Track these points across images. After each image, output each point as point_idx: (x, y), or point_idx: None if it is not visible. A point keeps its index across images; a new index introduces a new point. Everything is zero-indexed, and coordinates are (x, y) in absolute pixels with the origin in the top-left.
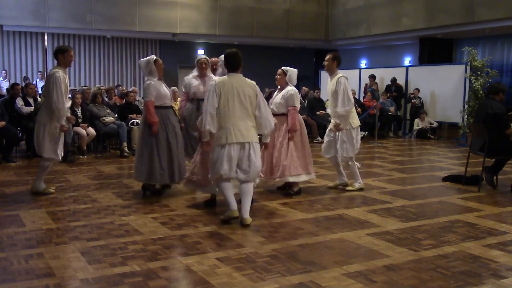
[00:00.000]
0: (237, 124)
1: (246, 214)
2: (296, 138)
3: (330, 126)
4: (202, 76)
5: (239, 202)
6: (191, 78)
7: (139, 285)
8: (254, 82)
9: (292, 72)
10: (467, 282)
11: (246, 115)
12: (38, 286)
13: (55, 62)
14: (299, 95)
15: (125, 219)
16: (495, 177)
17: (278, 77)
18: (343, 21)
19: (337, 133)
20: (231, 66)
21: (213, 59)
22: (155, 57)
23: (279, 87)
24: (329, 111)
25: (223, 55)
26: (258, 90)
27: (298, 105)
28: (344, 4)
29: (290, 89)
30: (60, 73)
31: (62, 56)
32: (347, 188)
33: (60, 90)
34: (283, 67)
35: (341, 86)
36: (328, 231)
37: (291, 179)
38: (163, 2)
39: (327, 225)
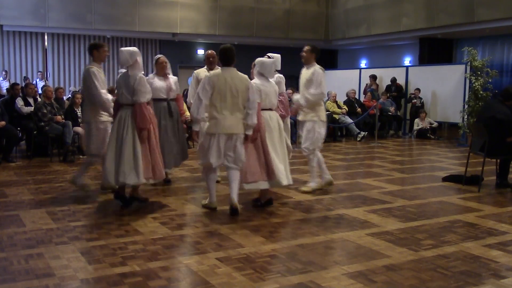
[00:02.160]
0: (227, 116)
1: (235, 199)
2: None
3: (300, 117)
4: (211, 69)
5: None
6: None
7: (139, 285)
8: (246, 76)
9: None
10: (467, 282)
11: (236, 107)
12: (38, 286)
13: (55, 62)
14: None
15: (125, 219)
16: (494, 177)
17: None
18: (343, 21)
19: (304, 124)
20: (225, 60)
21: (209, 51)
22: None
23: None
24: (294, 99)
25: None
26: (250, 84)
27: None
28: (344, 4)
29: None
30: (94, 68)
31: (97, 51)
32: (302, 188)
33: (98, 83)
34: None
35: (317, 75)
36: (328, 231)
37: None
38: (163, 2)
39: (327, 225)
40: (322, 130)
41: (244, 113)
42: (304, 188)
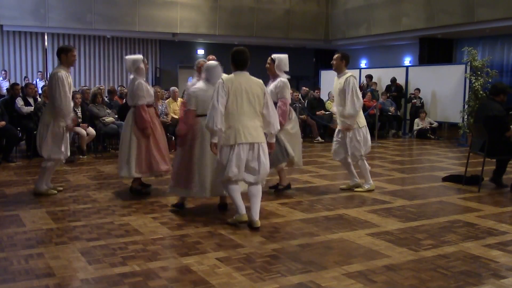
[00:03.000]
0: (246, 123)
1: (256, 217)
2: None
3: (338, 127)
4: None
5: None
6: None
7: (139, 285)
8: (261, 81)
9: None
10: (467, 282)
11: (254, 114)
12: (38, 286)
13: (55, 62)
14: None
15: (125, 219)
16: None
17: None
18: (343, 21)
19: (347, 134)
20: (239, 64)
21: (210, 57)
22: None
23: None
24: (334, 110)
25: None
26: (265, 88)
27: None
28: (344, 4)
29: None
30: (62, 72)
31: (65, 56)
32: (357, 189)
33: (63, 90)
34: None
35: (350, 85)
36: (328, 231)
37: None
38: (163, 2)
39: (327, 225)
40: (365, 135)
41: (264, 121)
42: (359, 189)
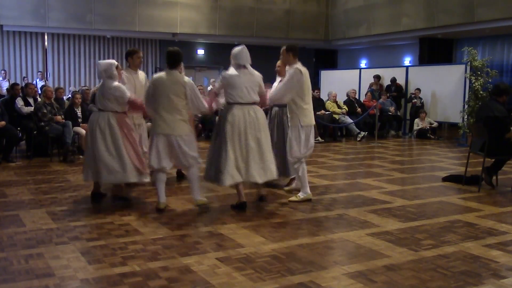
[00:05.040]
0: (164, 116)
1: (197, 196)
2: None
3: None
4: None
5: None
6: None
7: (139, 285)
8: (186, 79)
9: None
10: (467, 282)
11: (173, 109)
12: (38, 286)
13: (55, 62)
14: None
15: (125, 219)
16: (495, 177)
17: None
18: (343, 21)
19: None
20: (169, 63)
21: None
22: (116, 63)
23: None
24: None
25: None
26: (190, 85)
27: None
28: (344, 4)
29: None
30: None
31: (131, 58)
32: (290, 198)
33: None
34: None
35: (287, 75)
36: (328, 231)
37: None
38: (163, 2)
39: (327, 225)
40: (307, 137)
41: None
42: (293, 198)
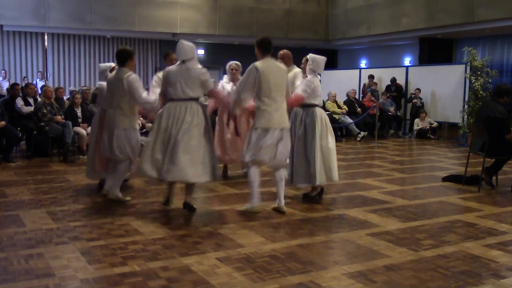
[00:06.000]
0: (108, 111)
1: (109, 188)
2: None
3: None
4: (233, 80)
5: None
6: (224, 82)
7: (139, 285)
8: (127, 74)
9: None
10: (467, 282)
11: (115, 104)
12: (38, 286)
13: (55, 62)
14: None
15: (125, 219)
16: (494, 177)
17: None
18: (343, 21)
19: None
20: (117, 61)
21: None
22: (113, 65)
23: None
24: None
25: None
26: (127, 80)
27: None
28: (344, 4)
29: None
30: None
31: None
32: (238, 208)
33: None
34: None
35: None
36: (328, 231)
37: None
38: (163, 2)
39: (327, 225)
40: (258, 140)
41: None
42: (239, 208)
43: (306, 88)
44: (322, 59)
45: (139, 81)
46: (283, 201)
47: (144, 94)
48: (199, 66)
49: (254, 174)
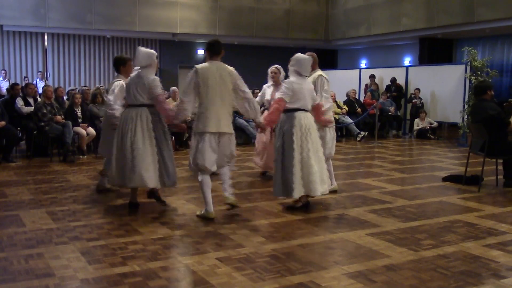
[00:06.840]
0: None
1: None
2: None
3: None
4: (275, 84)
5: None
6: (266, 87)
7: (139, 285)
8: (115, 81)
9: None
10: (467, 282)
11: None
12: (38, 286)
13: (55, 62)
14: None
15: (125, 219)
16: (495, 177)
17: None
18: (343, 21)
19: None
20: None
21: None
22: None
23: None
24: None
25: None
26: (113, 85)
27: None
28: (344, 4)
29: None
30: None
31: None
32: (198, 212)
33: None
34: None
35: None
36: (328, 231)
37: None
38: (163, 2)
39: (327, 225)
40: (195, 144)
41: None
42: (198, 212)
43: (286, 91)
44: (306, 59)
45: (118, 88)
46: (229, 193)
47: (112, 100)
48: (153, 74)
49: (203, 180)
